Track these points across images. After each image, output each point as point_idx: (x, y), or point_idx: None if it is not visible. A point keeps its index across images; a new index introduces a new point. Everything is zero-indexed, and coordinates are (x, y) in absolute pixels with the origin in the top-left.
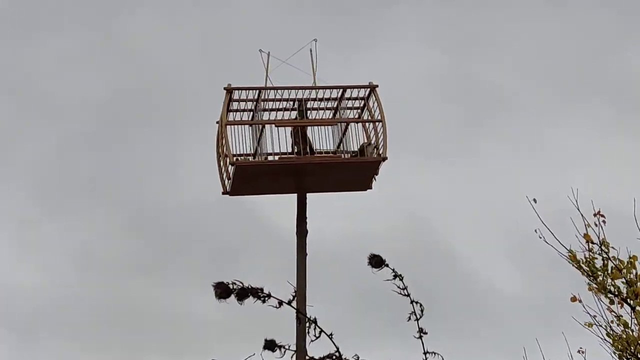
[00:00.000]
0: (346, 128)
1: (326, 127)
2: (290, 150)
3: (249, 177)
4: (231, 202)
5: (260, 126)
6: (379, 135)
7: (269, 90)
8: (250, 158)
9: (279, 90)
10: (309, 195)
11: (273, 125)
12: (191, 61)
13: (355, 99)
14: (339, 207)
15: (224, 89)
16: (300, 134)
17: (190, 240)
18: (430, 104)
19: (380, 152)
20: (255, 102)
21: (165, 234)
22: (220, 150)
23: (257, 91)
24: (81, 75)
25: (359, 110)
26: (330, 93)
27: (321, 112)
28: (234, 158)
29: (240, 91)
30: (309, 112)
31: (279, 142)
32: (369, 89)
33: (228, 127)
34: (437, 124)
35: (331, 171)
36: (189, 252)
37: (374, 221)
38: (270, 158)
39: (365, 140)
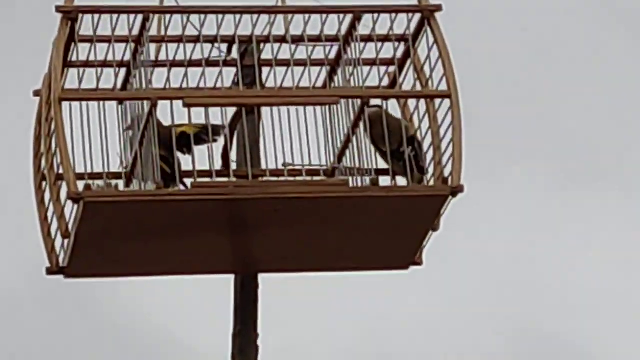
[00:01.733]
0: (361, 111)
1: (311, 108)
2: (220, 164)
3: (114, 231)
4: (71, 292)
5: (147, 105)
6: (443, 129)
7: (166, 16)
8: (120, 184)
9: (191, 16)
10: (264, 278)
11: (179, 103)
12: None
13: (385, 39)
14: (344, 309)
15: (57, 10)
16: (244, 126)
17: None
18: (567, 52)
19: (447, 174)
20: (134, 45)
21: None
22: (43, 161)
23: (140, 17)
24: None
25: (392, 69)
26: (322, 24)
27: (298, 70)
28: (80, 185)
29: (96, 16)
30: (267, 71)
31: (192, 144)
32: (419, 17)
33: (65, 104)
34: (577, 99)
35: (323, 219)
36: None
37: (426, 339)
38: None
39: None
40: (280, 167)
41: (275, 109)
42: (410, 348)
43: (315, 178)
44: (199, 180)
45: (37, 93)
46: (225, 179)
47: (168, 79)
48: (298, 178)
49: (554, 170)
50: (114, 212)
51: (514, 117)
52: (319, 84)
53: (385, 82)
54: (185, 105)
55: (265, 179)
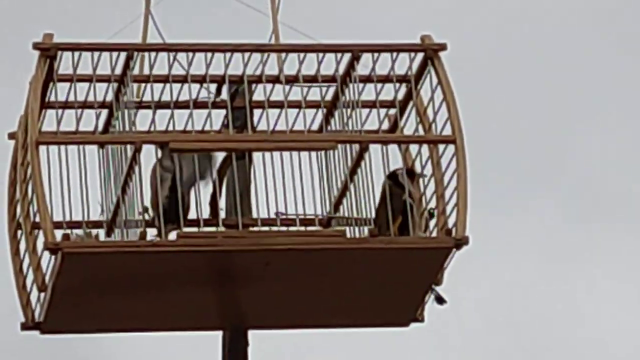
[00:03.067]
0: (359, 158)
1: (306, 153)
2: (208, 212)
3: (95, 284)
4: (48, 347)
5: (130, 148)
6: (446, 177)
7: (151, 53)
8: (102, 233)
9: (178, 54)
10: (255, 334)
11: (166, 149)
12: None
13: (386, 80)
14: None
15: (35, 47)
16: (234, 172)
17: None
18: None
19: (451, 225)
20: (117, 84)
21: None
22: (18, 209)
23: (123, 55)
24: None
25: (392, 111)
26: (318, 64)
27: (292, 112)
28: (58, 234)
29: (76, 54)
30: (257, 114)
31: (179, 192)
32: (422, 55)
33: (42, 148)
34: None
35: (318, 272)
36: None
37: None
38: (152, 236)
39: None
40: (272, 216)
41: (267, 153)
42: None
43: (310, 228)
44: (185, 230)
45: (12, 136)
46: (213, 229)
47: (153, 122)
48: (291, 228)
49: (564, 215)
50: (94, 263)
51: (522, 159)
52: (314, 126)
53: (385, 125)
54: (172, 150)
55: (256, 228)
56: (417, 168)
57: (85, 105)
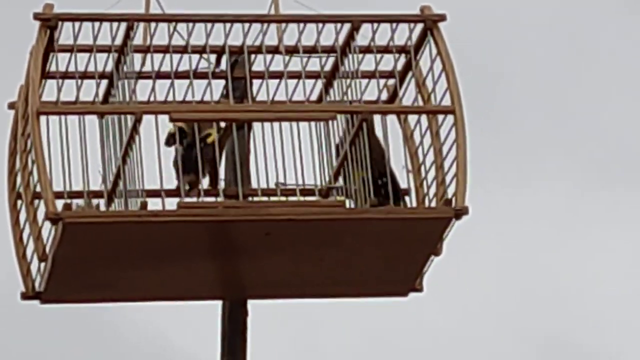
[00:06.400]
0: (359, 128)
1: (305, 124)
2: (208, 182)
3: (95, 254)
4: (48, 318)
5: (130, 119)
6: (445, 147)
7: (152, 24)
8: (102, 203)
9: (178, 25)
10: (254, 304)
11: (165, 118)
12: None
13: (385, 51)
14: (340, 336)
15: (36, 17)
16: (234, 142)
17: None
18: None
19: (450, 196)
20: (117, 55)
21: None
22: (19, 179)
23: (123, 25)
24: None
25: (391, 82)
26: (318, 35)
27: (291, 83)
28: (59, 204)
29: (77, 24)
30: (257, 84)
31: (179, 161)
32: (422, 26)
33: (43, 119)
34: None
35: (318, 243)
36: None
37: None
38: (154, 205)
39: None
40: (272, 186)
41: (267, 123)
42: None
43: (309, 198)
44: (186, 200)
45: (11, 105)
46: (213, 199)
47: (153, 91)
48: (291, 198)
49: (573, 180)
50: (95, 233)
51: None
52: (313, 97)
53: (384, 96)
54: (172, 120)
55: (256, 199)
56: (416, 138)
57: (85, 75)
